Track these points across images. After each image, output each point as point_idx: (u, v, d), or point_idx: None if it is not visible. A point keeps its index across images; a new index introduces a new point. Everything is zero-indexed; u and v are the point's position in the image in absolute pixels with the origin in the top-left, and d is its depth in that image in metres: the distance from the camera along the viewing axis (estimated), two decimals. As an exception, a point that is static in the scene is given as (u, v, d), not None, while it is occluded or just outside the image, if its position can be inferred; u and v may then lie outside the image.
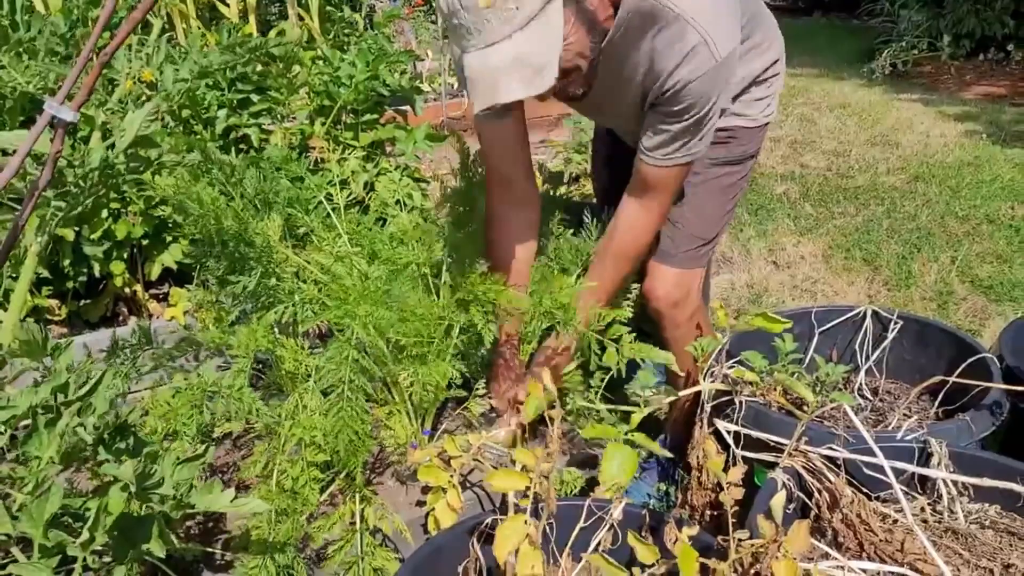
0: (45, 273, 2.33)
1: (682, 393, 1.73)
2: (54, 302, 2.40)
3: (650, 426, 2.22)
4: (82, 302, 2.49)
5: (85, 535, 0.99)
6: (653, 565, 1.24)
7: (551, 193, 3.38)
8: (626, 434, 1.52)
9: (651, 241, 1.77)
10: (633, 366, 1.73)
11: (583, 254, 1.96)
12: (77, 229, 2.26)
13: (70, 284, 2.38)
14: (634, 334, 1.71)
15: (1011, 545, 1.39)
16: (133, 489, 1.08)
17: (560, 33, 1.35)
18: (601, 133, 2.19)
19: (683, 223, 1.82)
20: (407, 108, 2.83)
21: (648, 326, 1.91)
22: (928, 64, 6.34)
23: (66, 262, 2.29)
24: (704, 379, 1.67)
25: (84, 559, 1.00)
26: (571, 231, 2.05)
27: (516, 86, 1.35)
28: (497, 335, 1.81)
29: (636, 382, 1.71)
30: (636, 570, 1.25)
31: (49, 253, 2.24)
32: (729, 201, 1.87)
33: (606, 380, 1.71)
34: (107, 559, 1.18)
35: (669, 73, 1.48)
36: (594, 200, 3.23)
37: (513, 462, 1.39)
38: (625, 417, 1.60)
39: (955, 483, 1.46)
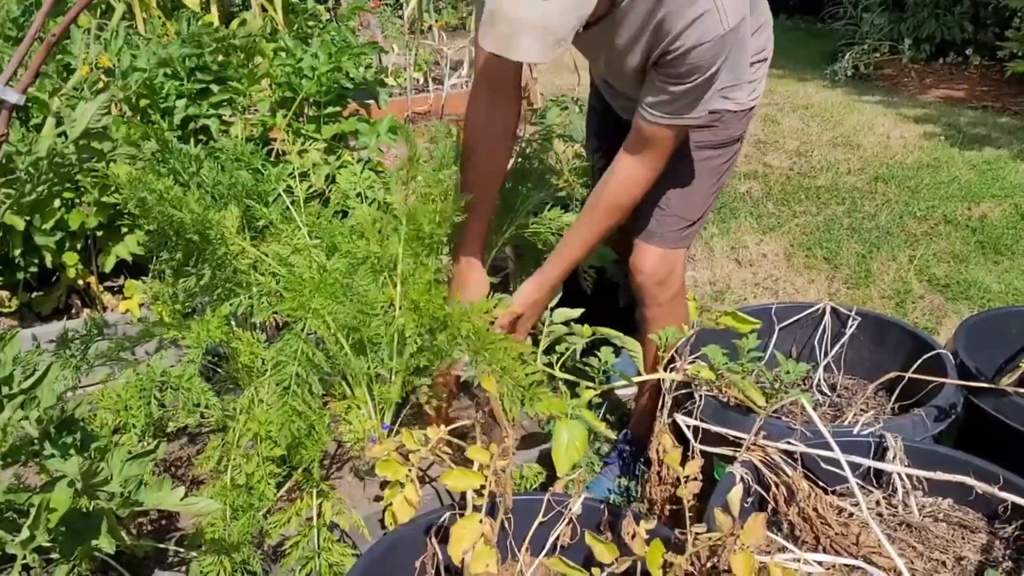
0: (-6, 263, 2.27)
1: (637, 379, 1.73)
2: (4, 293, 2.34)
3: (615, 422, 2.23)
4: (34, 294, 2.43)
5: (25, 533, 0.95)
6: (612, 564, 1.23)
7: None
8: (573, 409, 1.51)
9: (642, 195, 1.75)
10: (596, 344, 1.74)
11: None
12: (28, 218, 2.20)
13: (21, 275, 2.32)
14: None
15: (963, 538, 1.41)
16: (79, 486, 1.05)
17: (590, 9, 1.36)
18: (594, 104, 2.18)
19: (668, 204, 1.84)
20: (371, 102, 2.80)
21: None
22: (889, 67, 6.43)
23: (16, 252, 2.23)
24: (665, 371, 1.67)
25: (24, 557, 0.97)
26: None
27: (533, 49, 1.33)
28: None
29: (596, 360, 1.71)
30: (596, 570, 1.25)
31: (-2, 242, 2.18)
32: (714, 184, 1.89)
33: (566, 355, 1.70)
34: (55, 555, 1.14)
35: (676, 35, 1.49)
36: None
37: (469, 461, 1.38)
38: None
39: (910, 477, 1.48)
